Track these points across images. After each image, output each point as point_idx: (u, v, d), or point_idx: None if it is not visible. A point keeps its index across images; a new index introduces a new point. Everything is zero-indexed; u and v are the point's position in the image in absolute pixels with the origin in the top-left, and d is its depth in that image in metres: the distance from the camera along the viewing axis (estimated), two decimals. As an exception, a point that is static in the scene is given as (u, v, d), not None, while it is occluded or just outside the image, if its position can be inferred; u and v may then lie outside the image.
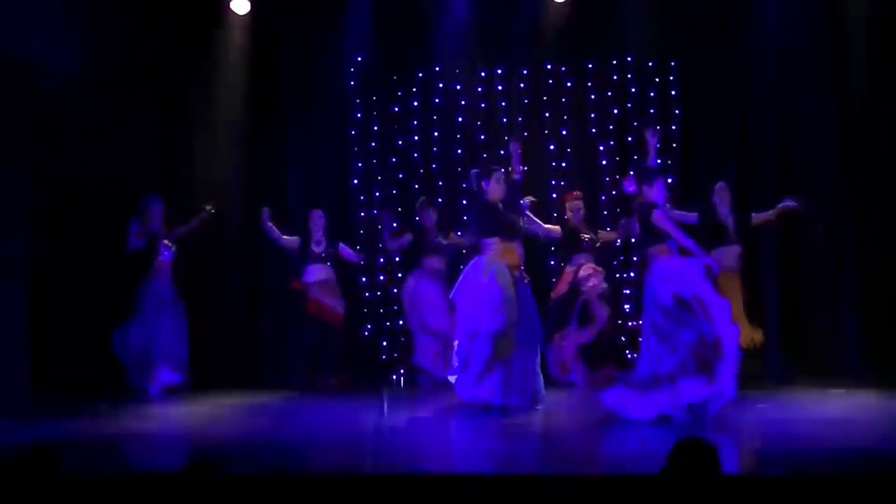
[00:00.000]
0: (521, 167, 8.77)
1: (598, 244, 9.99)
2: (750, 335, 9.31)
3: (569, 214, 9.97)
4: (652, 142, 8.14)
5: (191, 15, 10.60)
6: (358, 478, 5.57)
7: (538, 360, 8.55)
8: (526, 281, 8.57)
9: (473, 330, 8.18)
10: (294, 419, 8.29)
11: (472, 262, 8.49)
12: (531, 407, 8.23)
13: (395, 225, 10.75)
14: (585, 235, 9.88)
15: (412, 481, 5.28)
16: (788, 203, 9.38)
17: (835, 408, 8.08)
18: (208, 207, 10.31)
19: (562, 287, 9.73)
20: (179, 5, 10.48)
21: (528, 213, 9.34)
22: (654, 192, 7.77)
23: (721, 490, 3.82)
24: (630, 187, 8.04)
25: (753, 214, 9.54)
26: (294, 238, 10.25)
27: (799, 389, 9.09)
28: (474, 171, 8.71)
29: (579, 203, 9.94)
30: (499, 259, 8.31)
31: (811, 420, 7.57)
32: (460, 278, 8.49)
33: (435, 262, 10.15)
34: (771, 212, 9.51)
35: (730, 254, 9.46)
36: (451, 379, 8.51)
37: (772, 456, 6.11)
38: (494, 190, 8.46)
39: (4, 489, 4.05)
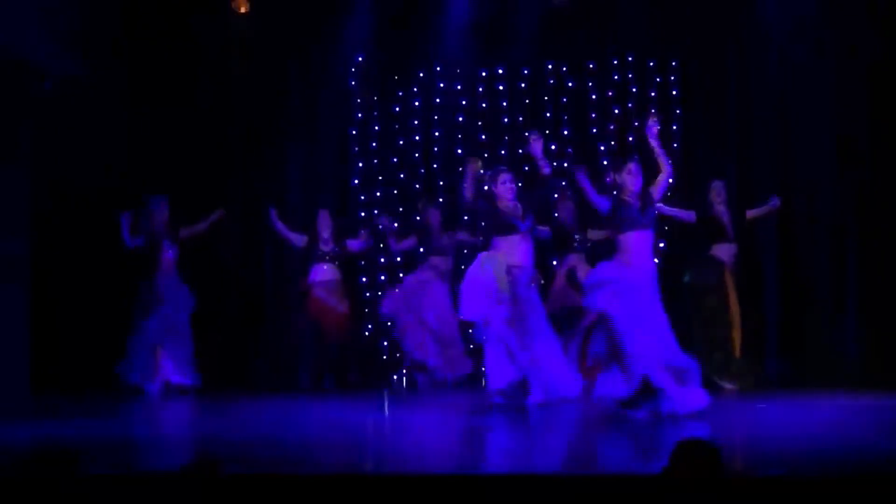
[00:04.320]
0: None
1: (588, 244, 9.95)
2: (738, 335, 9.38)
3: (562, 214, 9.96)
4: (535, 148, 8.11)
5: (191, 14, 10.60)
6: (358, 478, 5.57)
7: (553, 355, 8.42)
8: (531, 282, 8.51)
9: (484, 317, 8.19)
10: (294, 419, 8.29)
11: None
12: (548, 402, 8.18)
13: (395, 225, 10.77)
14: (576, 236, 9.86)
15: (412, 481, 5.27)
16: (774, 203, 9.51)
17: (834, 408, 8.08)
18: (222, 210, 10.35)
19: (556, 296, 9.73)
20: (180, 4, 10.48)
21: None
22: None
23: (722, 490, 3.82)
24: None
25: (748, 212, 9.60)
26: (301, 236, 10.26)
27: (799, 389, 9.08)
28: (487, 172, 8.68)
29: (573, 204, 9.90)
30: (497, 255, 8.32)
31: (811, 420, 7.57)
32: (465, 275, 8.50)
33: (441, 262, 10.15)
34: (763, 208, 9.58)
35: (727, 251, 9.52)
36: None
37: (772, 456, 6.10)
38: (500, 192, 8.45)
39: (18, 489, 4.07)
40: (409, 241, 10.45)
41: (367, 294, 11.09)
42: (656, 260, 10.45)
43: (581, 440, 7.30)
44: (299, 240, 10.26)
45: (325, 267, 10.21)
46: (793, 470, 5.43)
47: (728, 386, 9.32)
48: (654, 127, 7.55)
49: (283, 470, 5.72)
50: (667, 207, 9.68)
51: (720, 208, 9.60)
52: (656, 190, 7.57)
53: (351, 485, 5.27)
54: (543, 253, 10.61)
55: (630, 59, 10.84)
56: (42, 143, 9.08)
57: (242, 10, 10.68)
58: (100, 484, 5.08)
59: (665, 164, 7.54)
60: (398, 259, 10.97)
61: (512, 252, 8.31)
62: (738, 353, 9.41)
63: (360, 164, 11.17)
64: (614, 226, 7.60)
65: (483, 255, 8.30)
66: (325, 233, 10.25)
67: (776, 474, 5.28)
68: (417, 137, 11.17)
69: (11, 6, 8.20)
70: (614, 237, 7.63)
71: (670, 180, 7.81)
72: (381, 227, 10.51)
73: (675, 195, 10.16)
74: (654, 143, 7.55)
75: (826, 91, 10.10)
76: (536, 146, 8.26)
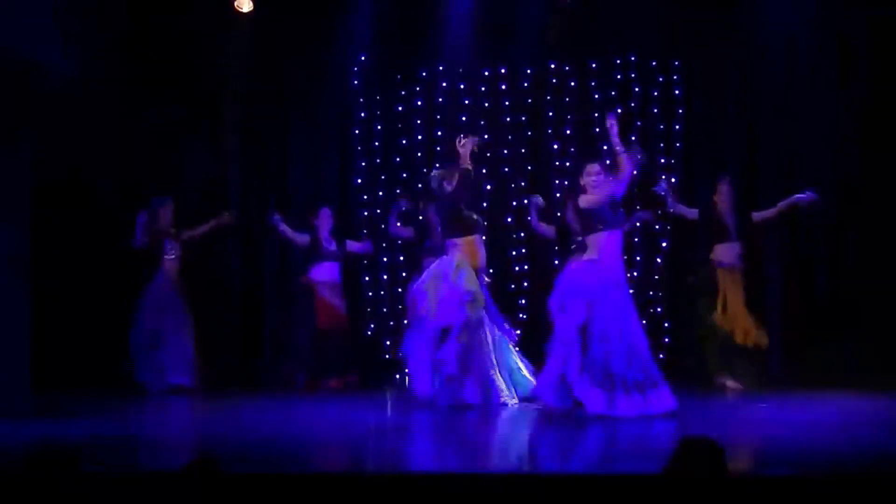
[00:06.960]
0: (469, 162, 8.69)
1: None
2: (750, 333, 9.36)
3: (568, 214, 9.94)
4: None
5: (194, 13, 10.60)
6: (358, 478, 5.56)
7: (508, 358, 8.56)
8: (486, 282, 8.67)
9: (445, 325, 8.30)
10: (294, 419, 8.28)
11: (438, 261, 8.63)
12: (498, 405, 8.24)
13: (398, 224, 10.75)
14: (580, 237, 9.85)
15: (412, 481, 5.26)
16: (802, 196, 9.34)
17: (835, 408, 8.07)
18: (227, 214, 10.36)
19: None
20: (183, 4, 10.47)
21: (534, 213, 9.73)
22: None
23: (723, 489, 3.81)
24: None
25: (754, 214, 9.58)
26: (304, 236, 10.27)
27: (800, 389, 9.07)
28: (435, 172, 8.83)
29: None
30: (465, 259, 8.46)
31: (812, 420, 7.56)
32: (423, 275, 8.66)
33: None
34: (772, 210, 9.54)
35: (731, 251, 9.52)
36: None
37: (772, 456, 6.10)
38: (457, 189, 8.54)
39: (18, 489, 4.07)
40: (408, 231, 10.43)
41: (370, 294, 11.07)
42: (658, 260, 10.59)
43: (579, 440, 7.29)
44: (303, 239, 10.27)
45: (328, 266, 10.22)
46: (794, 470, 5.42)
47: (731, 385, 9.31)
48: (613, 125, 7.70)
49: (283, 470, 5.72)
50: (673, 205, 9.71)
51: (724, 208, 9.59)
52: (619, 187, 7.75)
53: (351, 484, 5.27)
54: (545, 253, 10.64)
55: (632, 58, 10.83)
56: (43, 143, 9.08)
57: (245, 9, 10.67)
58: (100, 484, 5.08)
59: (626, 162, 7.68)
60: (401, 258, 10.96)
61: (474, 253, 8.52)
62: (740, 352, 9.40)
63: (363, 164, 11.16)
64: (584, 226, 7.75)
65: (453, 260, 8.40)
66: (325, 231, 10.25)
67: (778, 474, 5.27)
68: (420, 137, 11.16)
69: (13, 6, 8.19)
70: (584, 237, 7.81)
71: (634, 172, 7.94)
72: (397, 208, 10.44)
73: (677, 195, 10.15)
74: (614, 140, 7.76)
75: (830, 90, 10.09)
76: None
